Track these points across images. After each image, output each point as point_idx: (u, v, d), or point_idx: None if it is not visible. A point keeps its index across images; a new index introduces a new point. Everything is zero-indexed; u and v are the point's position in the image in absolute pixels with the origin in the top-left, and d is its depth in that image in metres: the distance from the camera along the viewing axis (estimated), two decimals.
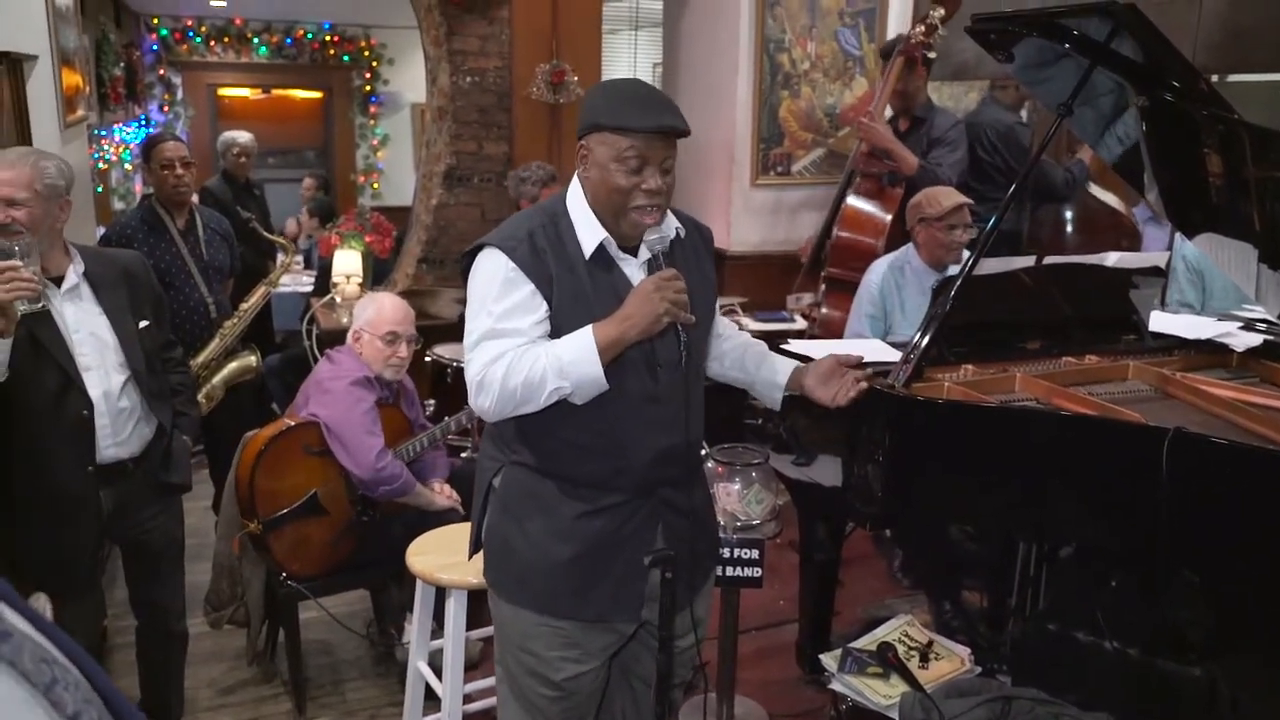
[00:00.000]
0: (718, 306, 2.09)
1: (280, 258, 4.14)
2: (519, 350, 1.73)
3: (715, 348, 2.10)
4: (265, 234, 4.36)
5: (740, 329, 2.24)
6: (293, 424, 3.01)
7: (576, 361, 1.70)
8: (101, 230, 5.30)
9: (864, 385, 2.07)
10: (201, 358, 3.64)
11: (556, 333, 1.77)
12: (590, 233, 1.80)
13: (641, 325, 1.71)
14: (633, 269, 1.84)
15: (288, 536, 2.95)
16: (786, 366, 2.08)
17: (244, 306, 3.80)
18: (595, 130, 1.76)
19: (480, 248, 1.83)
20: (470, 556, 2.08)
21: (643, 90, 1.82)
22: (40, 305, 2.22)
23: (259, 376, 4.01)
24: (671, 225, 1.86)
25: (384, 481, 2.95)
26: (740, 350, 2.12)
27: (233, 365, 3.77)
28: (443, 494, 3.17)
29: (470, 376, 1.78)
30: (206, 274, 3.70)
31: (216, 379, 3.71)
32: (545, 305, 1.77)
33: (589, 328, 1.72)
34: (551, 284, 1.77)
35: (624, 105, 1.74)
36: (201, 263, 3.69)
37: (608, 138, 1.73)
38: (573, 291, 1.78)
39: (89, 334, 2.40)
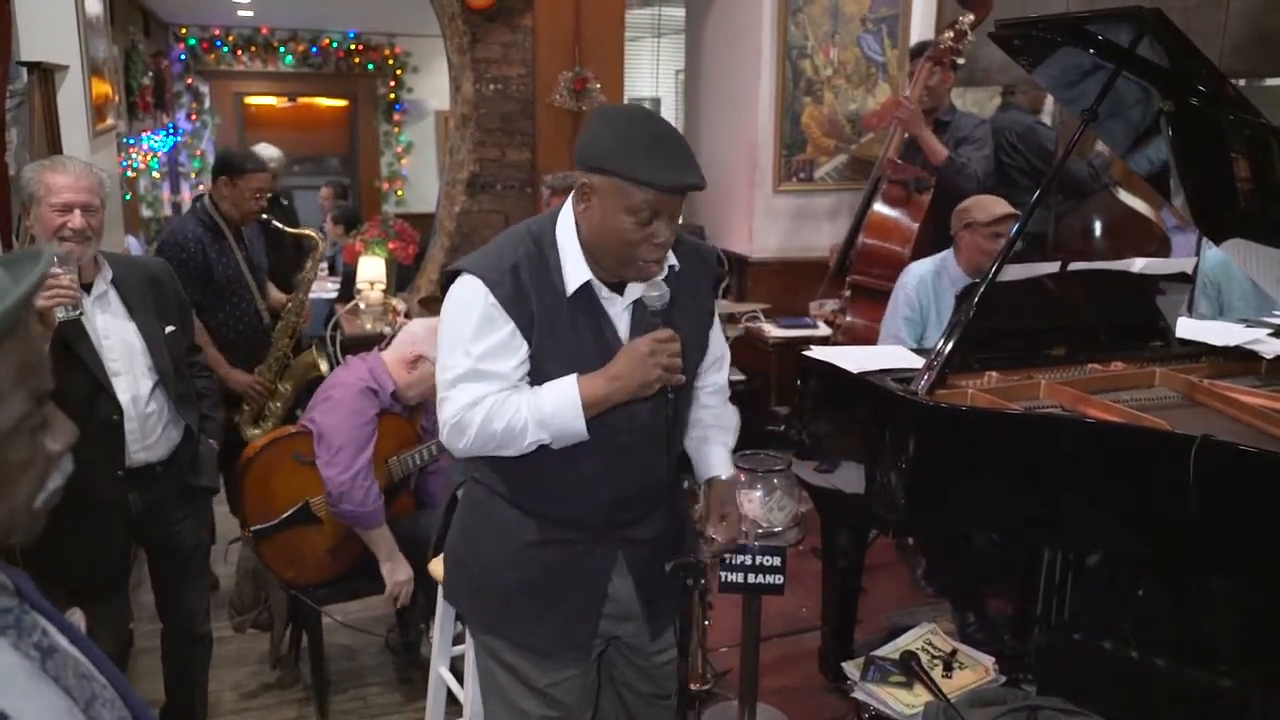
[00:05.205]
0: (715, 339, 1.98)
1: (312, 257, 4.14)
2: (500, 396, 1.67)
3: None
4: (287, 229, 4.33)
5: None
6: (284, 434, 2.99)
7: (558, 415, 1.65)
8: (130, 238, 5.37)
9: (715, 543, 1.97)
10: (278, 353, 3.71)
11: (533, 367, 1.71)
12: (577, 271, 1.70)
13: (631, 389, 1.65)
14: (617, 309, 1.75)
15: (280, 545, 2.91)
16: (707, 469, 2.00)
17: (299, 296, 3.84)
18: (606, 174, 1.61)
19: (460, 273, 1.73)
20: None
21: (661, 138, 1.63)
22: (78, 312, 2.26)
23: None
24: (664, 264, 1.74)
25: (352, 501, 2.78)
26: (691, 424, 2.01)
27: (305, 361, 3.81)
28: (403, 566, 2.93)
29: (445, 418, 1.71)
30: (257, 277, 3.75)
31: (287, 382, 3.77)
32: (526, 346, 1.69)
33: (574, 381, 1.66)
34: (533, 324, 1.69)
35: (643, 155, 1.59)
36: (251, 266, 3.74)
37: (622, 186, 1.59)
38: (552, 330, 1.70)
39: (118, 340, 2.43)
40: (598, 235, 1.67)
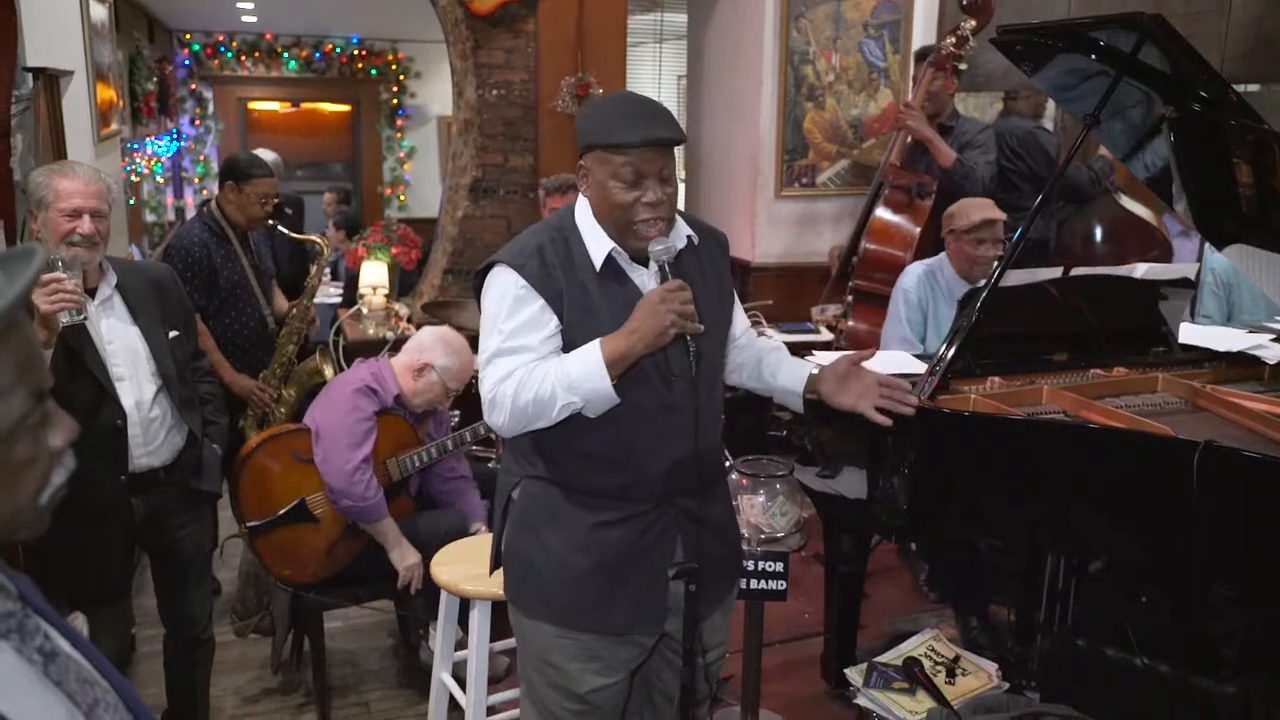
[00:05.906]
0: (738, 314, 2.07)
1: (317, 263, 4.13)
2: (528, 367, 1.74)
3: (732, 358, 2.07)
4: (292, 235, 4.33)
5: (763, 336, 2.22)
6: (282, 430, 3.00)
7: (585, 377, 1.70)
8: (134, 248, 5.39)
9: (888, 399, 2.01)
10: (284, 357, 3.71)
11: (570, 346, 1.77)
12: (599, 245, 1.80)
13: (648, 338, 1.70)
14: (645, 278, 1.83)
15: (275, 542, 2.92)
16: (801, 372, 2.04)
17: (304, 303, 3.84)
18: (590, 149, 1.77)
19: (491, 266, 1.84)
20: (491, 572, 2.07)
21: (632, 103, 1.80)
22: (83, 317, 2.26)
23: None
24: (681, 234, 1.85)
25: (352, 496, 2.81)
26: (755, 361, 2.08)
27: (308, 367, 3.81)
28: (412, 551, 2.94)
29: (483, 395, 1.79)
30: (262, 282, 3.75)
31: (291, 387, 3.77)
32: (555, 320, 1.78)
33: (596, 342, 1.72)
34: (561, 298, 1.77)
35: (614, 121, 1.74)
36: (258, 272, 3.74)
37: (602, 156, 1.74)
38: (583, 305, 1.78)
39: (122, 345, 2.44)
40: (600, 210, 1.79)
